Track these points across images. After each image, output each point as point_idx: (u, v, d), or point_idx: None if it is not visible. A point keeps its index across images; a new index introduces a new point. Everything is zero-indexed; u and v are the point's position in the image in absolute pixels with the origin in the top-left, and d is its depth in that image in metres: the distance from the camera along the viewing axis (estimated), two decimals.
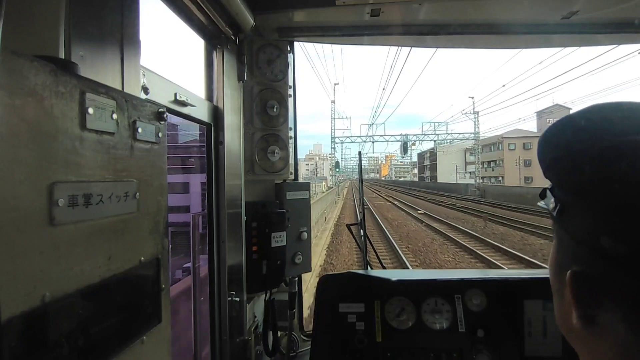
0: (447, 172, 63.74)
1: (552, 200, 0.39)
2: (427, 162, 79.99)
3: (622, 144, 0.34)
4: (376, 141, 43.79)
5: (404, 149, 40.82)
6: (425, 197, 36.75)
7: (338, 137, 44.73)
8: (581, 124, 0.39)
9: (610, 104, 0.40)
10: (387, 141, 43.52)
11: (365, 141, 45.27)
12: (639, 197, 0.31)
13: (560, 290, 0.41)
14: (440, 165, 69.34)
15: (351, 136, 45.97)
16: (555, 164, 0.40)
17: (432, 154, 73.64)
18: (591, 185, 0.35)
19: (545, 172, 0.41)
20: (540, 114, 52.56)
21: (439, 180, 62.96)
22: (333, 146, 44.55)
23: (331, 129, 44.52)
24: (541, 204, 0.43)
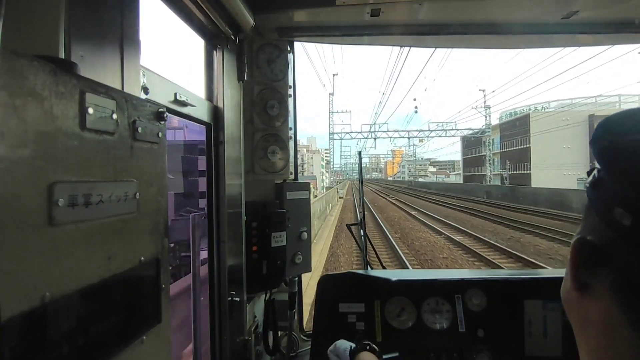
0: (557, 167, 28.76)
1: (592, 177, 0.41)
2: (487, 152, 37.01)
3: None
4: (378, 137, 38.62)
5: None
6: None
7: (337, 132, 40.01)
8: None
9: None
10: (391, 137, 38.85)
11: (367, 137, 39.49)
12: None
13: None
14: (538, 150, 31.42)
15: (351, 132, 39.97)
16: (600, 140, 0.41)
17: (513, 127, 35.50)
18: (622, 160, 0.36)
19: (593, 149, 0.42)
20: None
21: (534, 184, 29.06)
22: (331, 144, 40.96)
23: (329, 124, 40.34)
24: (585, 181, 0.44)
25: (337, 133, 39.60)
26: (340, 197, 30.68)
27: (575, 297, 0.40)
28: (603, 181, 0.38)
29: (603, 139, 0.39)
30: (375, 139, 38.55)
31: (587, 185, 0.41)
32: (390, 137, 39.20)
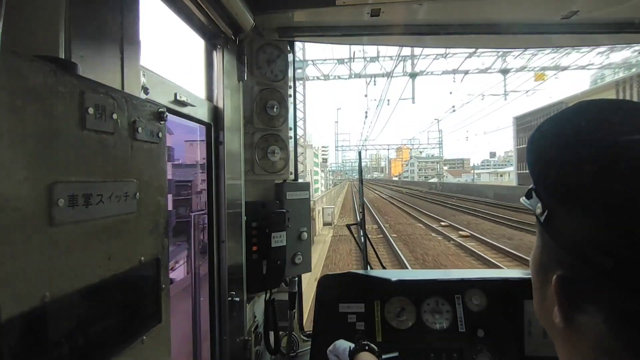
0: None
1: (539, 204, 0.39)
2: None
3: (623, 144, 0.34)
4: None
5: None
6: None
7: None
8: (581, 123, 0.38)
9: (607, 101, 0.40)
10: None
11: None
12: (630, 209, 0.31)
13: (541, 288, 0.42)
14: None
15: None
16: (547, 168, 0.39)
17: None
18: (584, 195, 0.34)
19: (535, 175, 0.40)
20: None
21: None
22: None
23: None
24: (525, 202, 0.43)
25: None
26: (327, 225, 13.09)
27: (562, 327, 0.39)
28: (562, 216, 0.36)
29: (560, 175, 0.37)
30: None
31: (538, 216, 0.39)
32: (429, 74, 16.63)
